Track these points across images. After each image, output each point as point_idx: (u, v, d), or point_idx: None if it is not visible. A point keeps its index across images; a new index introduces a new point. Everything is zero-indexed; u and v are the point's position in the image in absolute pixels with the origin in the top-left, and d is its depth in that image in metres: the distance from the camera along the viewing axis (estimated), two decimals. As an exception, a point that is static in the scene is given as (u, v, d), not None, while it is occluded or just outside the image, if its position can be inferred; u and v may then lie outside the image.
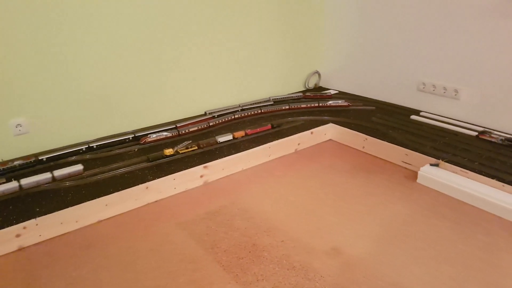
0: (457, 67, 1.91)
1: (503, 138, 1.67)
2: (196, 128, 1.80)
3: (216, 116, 1.93)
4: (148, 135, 1.68)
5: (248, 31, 2.11)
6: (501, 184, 1.36)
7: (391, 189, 1.49)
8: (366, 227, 1.26)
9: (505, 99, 1.78)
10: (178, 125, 1.80)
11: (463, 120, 1.92)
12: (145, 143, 1.65)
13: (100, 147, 1.62)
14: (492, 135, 1.70)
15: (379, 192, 1.46)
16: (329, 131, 1.96)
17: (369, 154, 1.78)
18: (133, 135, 1.70)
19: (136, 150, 1.61)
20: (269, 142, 1.72)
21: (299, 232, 1.23)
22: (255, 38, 2.16)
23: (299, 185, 1.52)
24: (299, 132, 1.83)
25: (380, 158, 1.74)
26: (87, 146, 1.60)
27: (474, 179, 1.42)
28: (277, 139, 1.75)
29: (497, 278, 1.04)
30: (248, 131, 1.77)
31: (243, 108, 2.06)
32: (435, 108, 2.04)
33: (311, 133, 1.88)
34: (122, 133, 1.75)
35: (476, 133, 1.75)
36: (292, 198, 1.43)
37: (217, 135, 1.70)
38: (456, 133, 1.78)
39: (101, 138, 1.70)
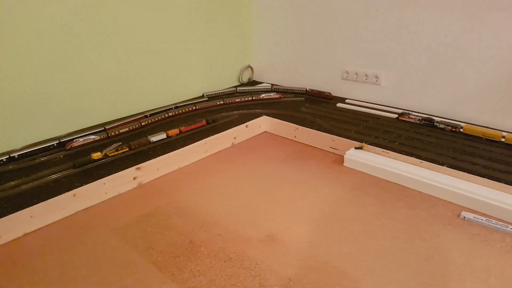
0: (376, 54, 2.04)
1: (420, 118, 1.81)
2: (127, 129, 1.74)
3: (148, 115, 1.89)
4: (74, 140, 1.60)
5: (175, 29, 2.08)
6: (419, 161, 1.48)
7: (321, 173, 1.56)
8: (299, 212, 1.31)
9: (420, 82, 1.93)
10: (107, 127, 1.73)
11: (385, 104, 2.06)
12: (71, 148, 1.57)
13: (22, 156, 1.52)
14: (411, 116, 1.84)
15: (310, 177, 1.53)
16: (263, 123, 2.00)
17: (301, 142, 1.85)
18: (58, 141, 1.61)
19: (61, 156, 1.53)
20: (205, 138, 1.72)
21: (236, 224, 1.24)
22: (183, 36, 2.14)
23: (236, 178, 1.54)
24: (235, 126, 1.85)
25: (310, 146, 1.81)
26: (7, 156, 1.49)
27: (395, 158, 1.53)
28: (213, 135, 1.75)
29: (419, 247, 1.13)
30: (183, 128, 1.75)
31: (177, 106, 2.04)
32: (359, 95, 2.16)
33: (246, 126, 1.90)
34: (46, 139, 1.65)
35: (396, 115, 1.88)
36: (229, 191, 1.44)
37: (149, 135, 1.66)
38: (378, 117, 1.90)
39: (23, 147, 1.59)
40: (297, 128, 1.84)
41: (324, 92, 2.25)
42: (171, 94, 2.17)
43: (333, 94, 2.25)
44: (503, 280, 1.00)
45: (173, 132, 1.71)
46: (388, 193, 1.41)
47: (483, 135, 1.65)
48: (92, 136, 1.64)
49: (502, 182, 1.31)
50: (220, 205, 1.36)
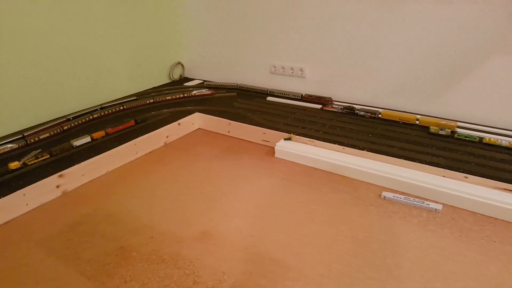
0: (299, 48, 2.11)
1: (342, 107, 1.91)
2: (47, 135, 1.64)
3: (71, 118, 1.79)
4: (-12, 151, 1.48)
5: (94, 25, 1.99)
6: (342, 147, 1.57)
7: (254, 166, 1.59)
8: (233, 206, 1.33)
9: (341, 73, 2.04)
10: (25, 134, 1.62)
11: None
12: (-16, 160, 1.45)
13: None
14: (333, 106, 1.94)
15: (244, 171, 1.56)
16: (197, 120, 1.98)
17: (234, 137, 1.87)
18: (-32, 153, 1.48)
19: (-26, 169, 1.41)
20: (135, 138, 1.67)
21: (169, 225, 1.23)
22: (104, 32, 2.05)
23: (169, 177, 1.52)
24: (166, 125, 1.82)
25: (244, 140, 1.84)
26: None
27: (320, 147, 1.61)
28: (143, 135, 1.71)
29: (344, 229, 1.21)
30: (109, 129, 1.69)
31: (103, 106, 1.95)
32: (287, 88, 2.24)
33: (179, 124, 1.88)
34: (-47, 152, 1.51)
35: (321, 106, 1.97)
36: (161, 192, 1.42)
37: (72, 139, 1.58)
38: (304, 108, 1.98)
39: None
40: (230, 123, 1.85)
41: (324, 97, 2.05)
42: (97, 95, 2.08)
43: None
44: (421, 253, 1.10)
45: (99, 134, 1.64)
46: (315, 180, 1.48)
47: (399, 119, 1.79)
48: (9, 145, 1.53)
49: (417, 162, 1.43)
50: (153, 207, 1.33)
